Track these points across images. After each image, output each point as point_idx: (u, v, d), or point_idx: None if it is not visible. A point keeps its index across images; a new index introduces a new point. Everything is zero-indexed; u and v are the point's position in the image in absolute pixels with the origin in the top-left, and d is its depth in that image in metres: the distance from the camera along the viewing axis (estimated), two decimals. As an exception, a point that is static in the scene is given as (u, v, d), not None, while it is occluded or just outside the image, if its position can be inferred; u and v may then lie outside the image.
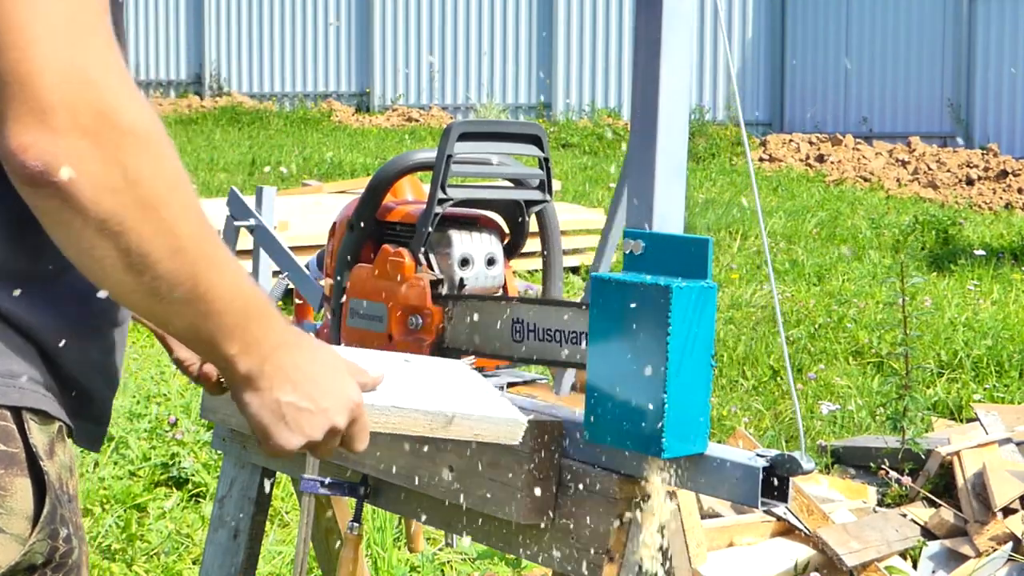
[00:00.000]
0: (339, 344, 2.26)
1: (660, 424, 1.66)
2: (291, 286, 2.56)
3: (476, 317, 2.08)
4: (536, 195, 2.25)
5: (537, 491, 1.86)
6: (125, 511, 4.41)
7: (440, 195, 2.12)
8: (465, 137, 2.14)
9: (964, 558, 4.11)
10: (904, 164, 14.48)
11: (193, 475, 4.73)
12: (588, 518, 1.84)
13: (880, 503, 4.56)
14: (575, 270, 8.84)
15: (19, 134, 1.17)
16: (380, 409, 1.50)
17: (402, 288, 2.16)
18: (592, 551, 1.83)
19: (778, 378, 6.33)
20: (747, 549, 4.04)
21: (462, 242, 2.21)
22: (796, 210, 11.68)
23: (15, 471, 1.32)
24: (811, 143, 15.50)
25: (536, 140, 2.22)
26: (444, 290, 2.17)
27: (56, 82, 1.17)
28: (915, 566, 4.14)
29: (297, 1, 19.44)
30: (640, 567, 1.79)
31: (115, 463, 4.83)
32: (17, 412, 1.33)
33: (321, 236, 2.73)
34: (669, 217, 1.83)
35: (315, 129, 16.97)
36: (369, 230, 2.26)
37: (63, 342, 1.37)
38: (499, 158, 2.23)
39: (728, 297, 7.98)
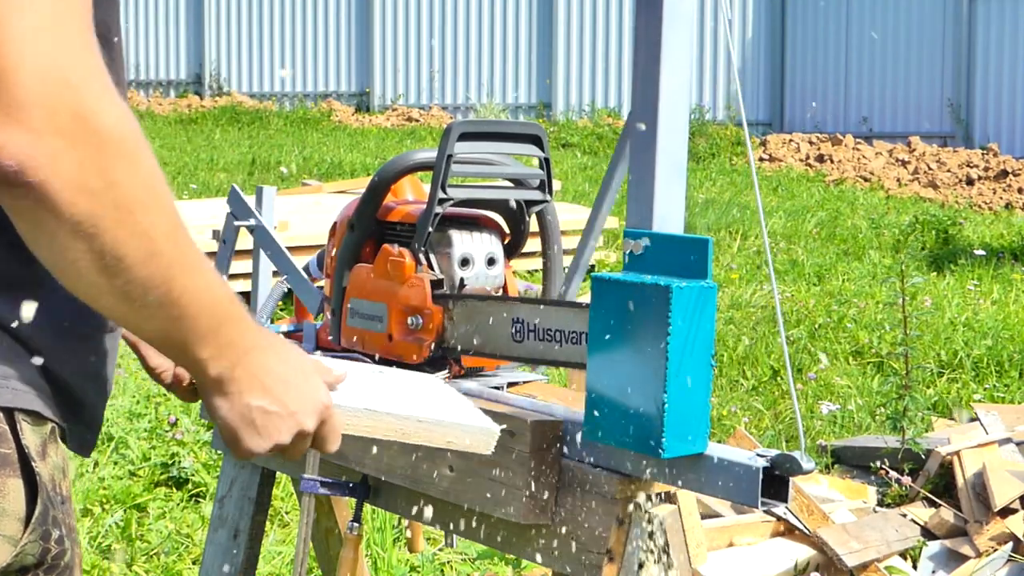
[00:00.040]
0: (339, 344, 2.27)
1: (660, 424, 1.66)
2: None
3: (476, 317, 2.07)
4: (536, 195, 2.24)
5: (537, 491, 1.86)
6: (125, 511, 4.41)
7: (440, 195, 2.11)
8: (465, 137, 2.13)
9: (964, 558, 4.11)
10: (904, 164, 14.48)
11: (193, 475, 4.73)
12: (588, 518, 1.84)
13: (880, 503, 4.56)
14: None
15: None
16: (352, 411, 1.51)
17: (402, 288, 2.16)
18: (592, 551, 1.83)
19: (778, 378, 6.33)
20: (747, 549, 4.04)
21: (462, 242, 2.21)
22: (796, 210, 11.68)
23: (7, 472, 1.32)
24: (811, 143, 15.50)
25: (536, 140, 2.21)
26: (444, 290, 2.17)
27: (35, 82, 1.15)
28: (915, 566, 4.14)
29: (297, 1, 19.44)
30: (640, 567, 1.79)
31: (115, 463, 4.83)
32: (9, 413, 1.33)
33: (321, 236, 2.73)
34: (669, 217, 1.83)
35: (315, 129, 16.97)
36: (369, 230, 2.26)
37: (56, 347, 1.37)
38: (499, 158, 2.23)
39: (728, 297, 7.98)
